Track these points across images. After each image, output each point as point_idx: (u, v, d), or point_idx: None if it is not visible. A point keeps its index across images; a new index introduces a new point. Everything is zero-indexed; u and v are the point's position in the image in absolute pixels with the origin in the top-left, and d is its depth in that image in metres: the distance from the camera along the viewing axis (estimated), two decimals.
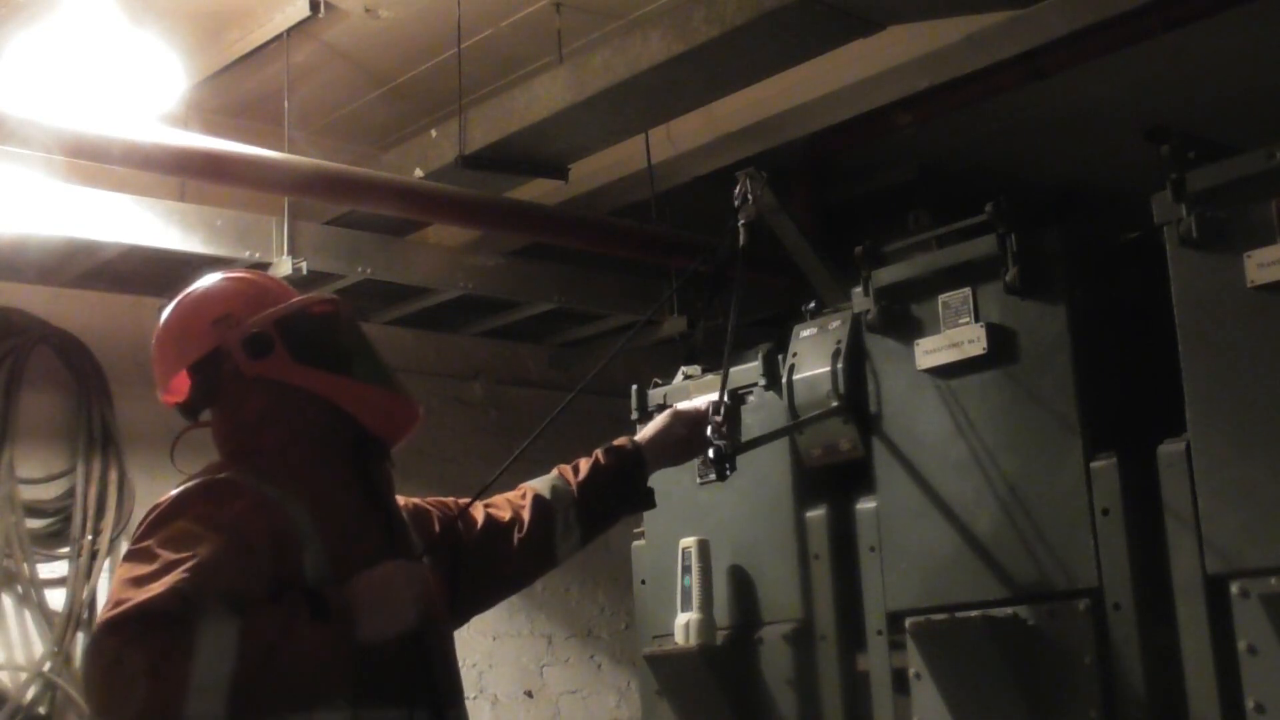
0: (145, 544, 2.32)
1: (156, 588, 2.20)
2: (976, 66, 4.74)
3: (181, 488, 2.46)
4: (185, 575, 2.22)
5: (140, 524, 2.43)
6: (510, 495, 2.95)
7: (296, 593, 2.32)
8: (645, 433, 3.11)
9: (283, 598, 2.31)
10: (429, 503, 2.85)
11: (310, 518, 2.43)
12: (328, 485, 2.53)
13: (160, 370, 2.68)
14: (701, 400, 3.13)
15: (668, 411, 3.15)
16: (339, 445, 2.59)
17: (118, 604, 2.21)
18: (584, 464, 3.01)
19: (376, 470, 2.63)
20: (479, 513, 2.87)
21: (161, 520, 2.37)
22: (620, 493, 3.03)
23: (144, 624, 2.17)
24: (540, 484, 2.98)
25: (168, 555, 2.26)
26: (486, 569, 2.85)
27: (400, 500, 2.76)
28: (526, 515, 2.90)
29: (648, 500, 3.08)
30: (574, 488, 2.96)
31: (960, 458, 3.15)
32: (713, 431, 3.02)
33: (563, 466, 3.02)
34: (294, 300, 2.67)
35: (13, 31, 4.48)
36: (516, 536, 2.87)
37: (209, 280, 2.71)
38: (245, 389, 2.58)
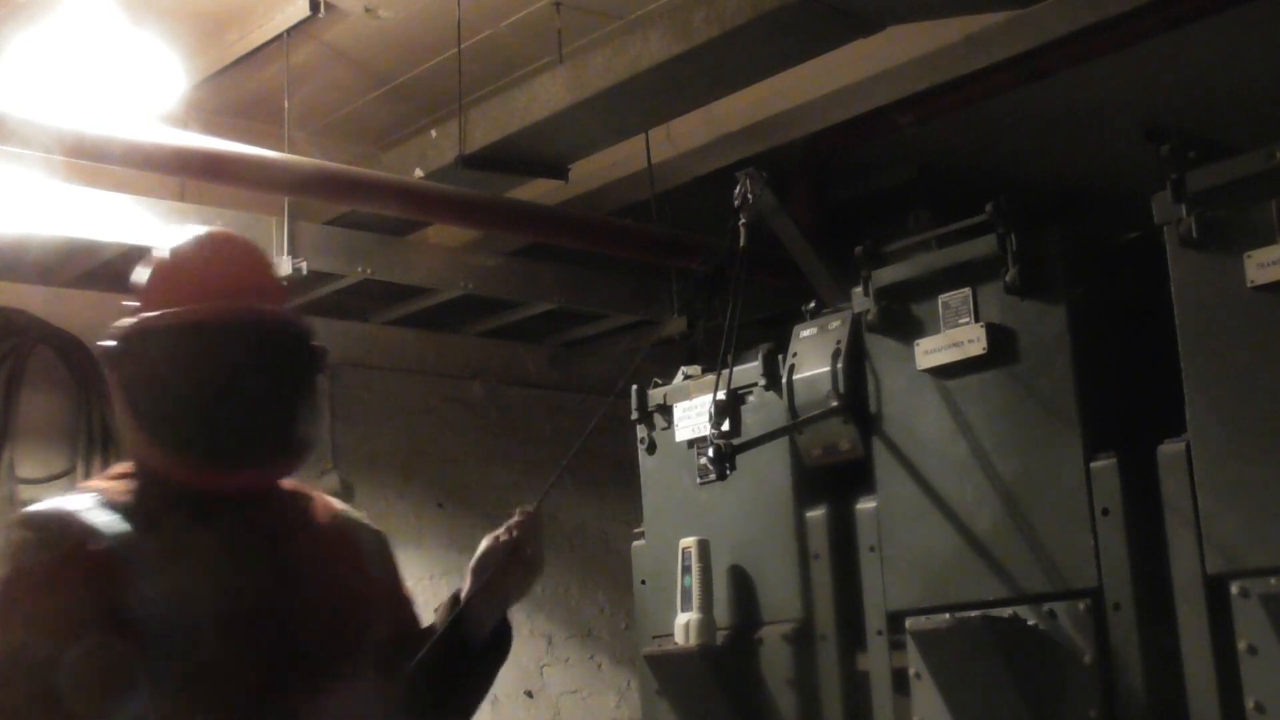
0: None
1: None
2: (976, 66, 4.73)
3: (22, 516, 2.18)
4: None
5: None
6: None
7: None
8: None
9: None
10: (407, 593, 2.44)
11: (150, 553, 2.11)
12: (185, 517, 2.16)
13: None
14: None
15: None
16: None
17: None
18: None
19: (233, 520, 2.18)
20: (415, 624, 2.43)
21: None
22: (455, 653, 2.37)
23: None
24: None
25: None
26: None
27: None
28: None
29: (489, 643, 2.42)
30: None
31: (960, 458, 3.15)
32: (713, 431, 3.02)
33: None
34: (151, 311, 2.21)
35: (13, 31, 4.48)
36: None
37: (175, 239, 2.32)
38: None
